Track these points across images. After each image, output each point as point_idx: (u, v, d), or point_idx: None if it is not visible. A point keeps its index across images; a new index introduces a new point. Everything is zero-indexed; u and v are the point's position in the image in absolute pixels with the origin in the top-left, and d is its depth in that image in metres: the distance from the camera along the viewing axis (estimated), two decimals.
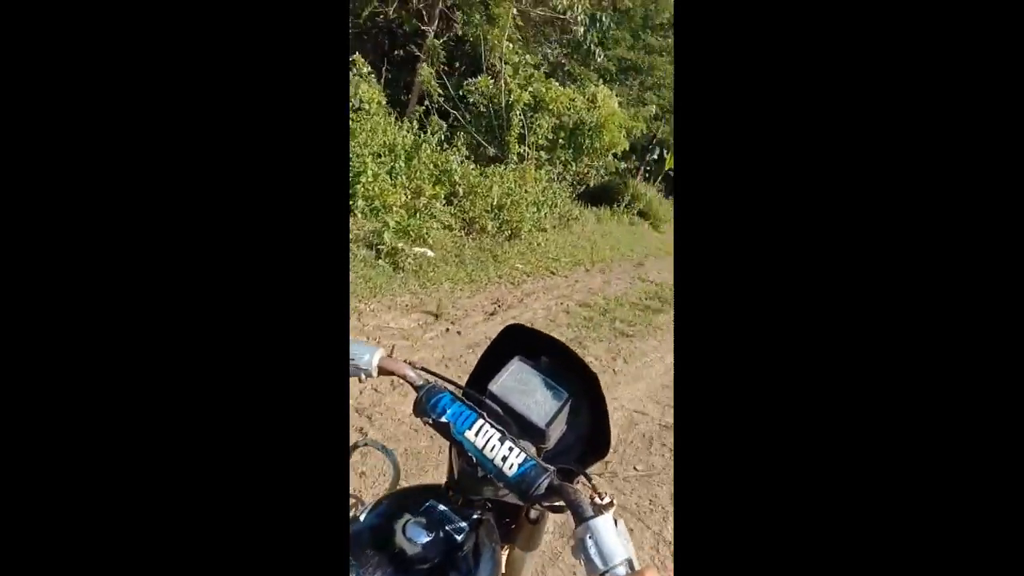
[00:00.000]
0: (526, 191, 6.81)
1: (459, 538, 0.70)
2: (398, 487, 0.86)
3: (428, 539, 0.69)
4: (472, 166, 6.26)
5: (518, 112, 6.90)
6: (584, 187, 9.95)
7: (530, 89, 7.03)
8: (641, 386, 3.49)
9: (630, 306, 5.28)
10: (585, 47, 9.21)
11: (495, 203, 5.93)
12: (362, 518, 0.73)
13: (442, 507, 0.73)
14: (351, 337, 0.76)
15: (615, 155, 8.75)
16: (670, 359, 4.24)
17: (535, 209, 6.76)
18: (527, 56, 7.96)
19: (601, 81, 9.11)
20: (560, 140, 7.55)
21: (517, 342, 0.83)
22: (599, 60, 9.47)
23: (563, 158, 7.74)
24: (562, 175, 7.91)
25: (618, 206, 10.48)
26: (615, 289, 5.83)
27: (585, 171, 9.82)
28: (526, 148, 7.12)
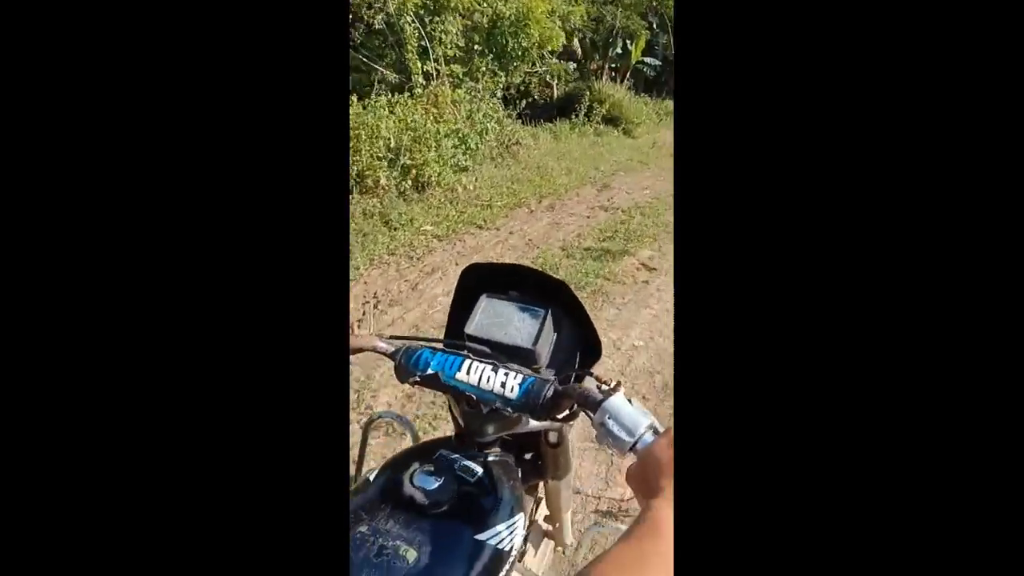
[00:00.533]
0: (443, 121, 5.21)
1: (471, 479, 0.68)
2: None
3: (438, 484, 0.67)
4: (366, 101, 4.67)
5: (409, 17, 5.14)
6: (530, 100, 8.19)
7: None
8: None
9: (583, 254, 3.85)
10: None
11: (391, 145, 4.39)
12: (371, 478, 0.72)
13: (452, 455, 0.71)
14: None
15: (552, 53, 6.89)
16: (641, 332, 2.91)
17: (456, 143, 5.19)
18: None
19: None
20: (475, 46, 5.77)
21: (479, 281, 0.81)
22: None
23: (484, 68, 5.97)
24: (491, 91, 6.20)
25: (577, 117, 8.73)
26: (566, 232, 4.37)
27: (526, 81, 8.03)
28: (433, 63, 5.41)
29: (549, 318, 0.74)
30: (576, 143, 8.11)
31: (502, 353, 0.71)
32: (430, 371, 0.67)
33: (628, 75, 13.69)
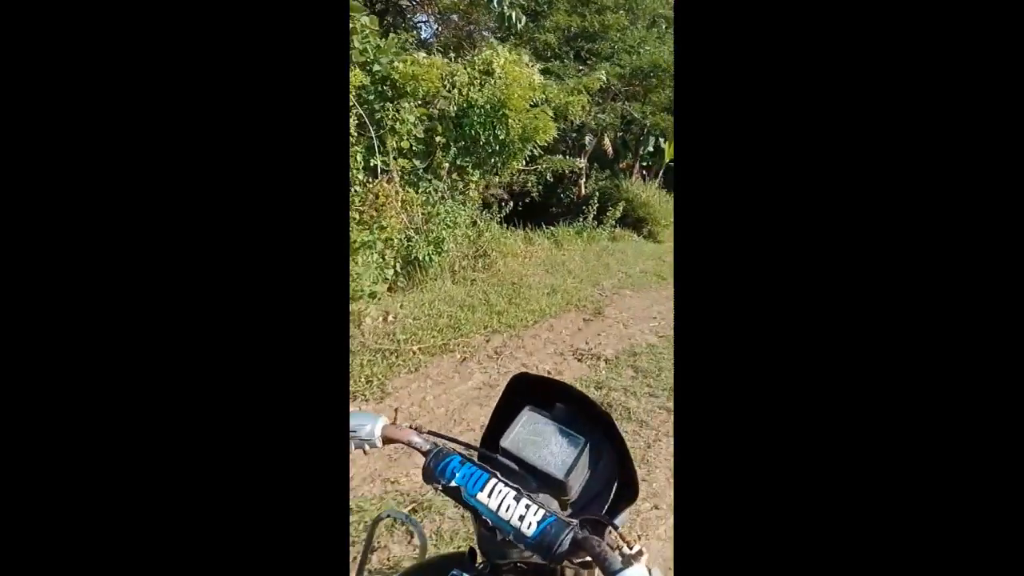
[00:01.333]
0: (376, 226, 3.99)
1: None
2: (426, 558, 0.81)
3: None
4: None
5: (352, 101, 4.14)
6: (527, 201, 7.02)
7: (376, 66, 4.27)
8: None
9: None
10: (498, 10, 6.40)
11: None
12: None
13: None
14: (351, 409, 0.73)
15: (543, 149, 5.70)
16: None
17: (381, 257, 3.90)
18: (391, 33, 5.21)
19: (533, 59, 6.27)
20: (439, 137, 4.66)
21: (526, 392, 0.78)
22: (519, 26, 6.52)
23: (449, 164, 4.80)
24: (459, 190, 5.00)
25: (585, 219, 7.45)
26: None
27: (518, 179, 6.91)
28: (381, 158, 4.30)
29: (587, 450, 0.69)
30: (582, 250, 6.71)
31: (531, 475, 0.67)
32: (454, 483, 0.63)
33: (661, 174, 12.61)
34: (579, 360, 3.37)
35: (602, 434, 0.71)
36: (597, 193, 8.17)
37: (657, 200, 9.61)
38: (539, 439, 0.70)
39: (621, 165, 12.41)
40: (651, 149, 11.88)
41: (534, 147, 5.24)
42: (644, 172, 12.11)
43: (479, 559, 0.69)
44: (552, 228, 7.07)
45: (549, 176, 7.15)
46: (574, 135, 9.78)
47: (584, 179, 10.43)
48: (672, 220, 9.32)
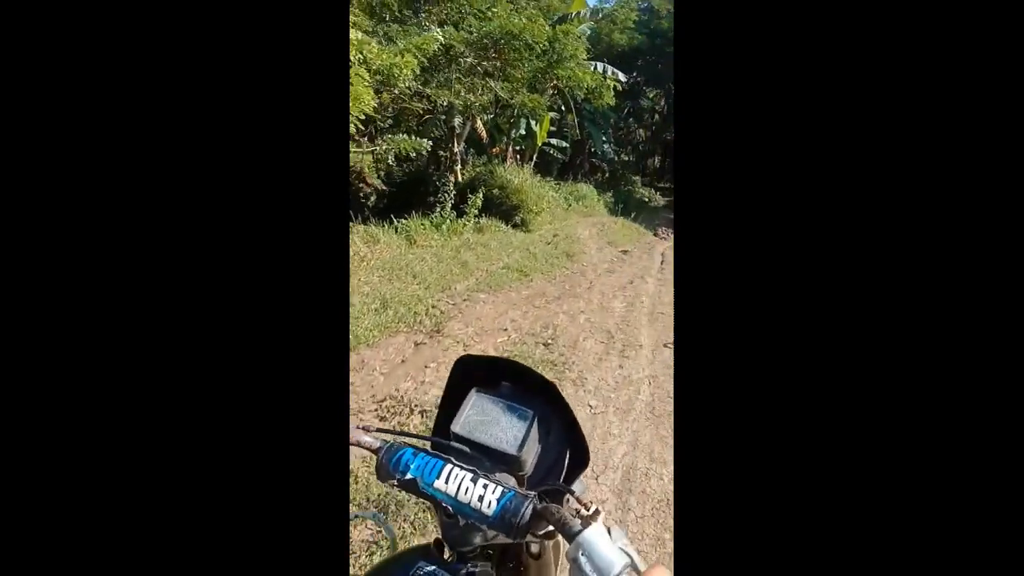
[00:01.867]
0: None
1: None
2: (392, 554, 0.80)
3: None
4: None
5: None
6: (370, 191, 5.88)
7: None
8: None
9: None
10: None
11: None
12: None
13: (430, 567, 0.65)
14: None
15: (364, 122, 4.60)
16: None
17: None
18: None
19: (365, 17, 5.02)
20: None
21: (471, 375, 0.77)
22: None
23: None
24: None
25: (444, 210, 6.51)
26: None
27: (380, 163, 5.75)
28: None
29: (536, 423, 0.69)
30: (438, 247, 5.76)
31: (486, 456, 0.66)
32: (409, 475, 0.62)
33: (534, 157, 12.04)
34: (381, 419, 2.40)
35: (548, 404, 0.71)
36: (472, 180, 7.22)
37: (530, 186, 8.94)
38: (489, 419, 0.70)
39: (494, 150, 11.63)
40: (523, 132, 11.21)
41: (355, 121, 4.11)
42: (518, 156, 11.44)
43: (446, 550, 0.67)
44: (405, 221, 6.03)
45: (391, 159, 6.04)
46: (443, 117, 8.77)
47: (460, 165, 9.50)
48: (544, 207, 8.73)
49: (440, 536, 0.67)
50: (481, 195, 7.06)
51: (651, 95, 18.16)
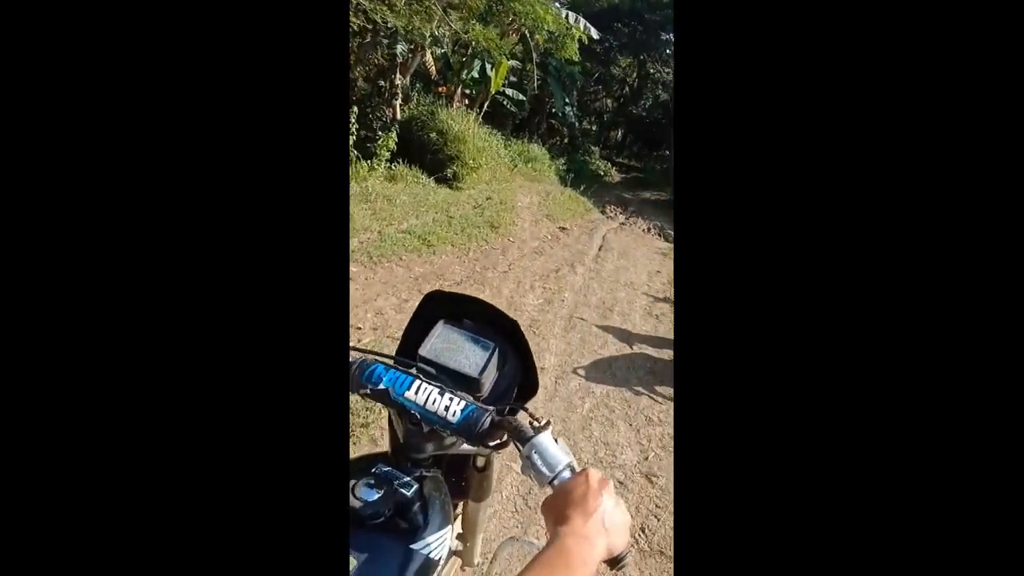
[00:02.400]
0: None
1: (408, 492, 0.69)
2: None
3: (378, 495, 0.67)
4: None
5: None
6: None
7: None
8: None
9: None
10: None
11: None
12: None
13: (389, 469, 0.72)
14: None
15: None
16: None
17: None
18: None
19: None
20: None
21: (439, 307, 0.82)
22: None
23: None
24: None
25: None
26: None
27: None
28: None
29: (496, 353, 0.75)
30: None
31: (449, 378, 0.72)
32: (382, 386, 0.68)
33: (485, 105, 10.66)
34: None
35: (508, 339, 0.77)
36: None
37: (473, 136, 7.68)
38: (453, 346, 0.75)
39: (440, 89, 10.13)
40: (475, 75, 9.77)
41: None
42: (467, 102, 10.02)
43: (398, 458, 0.74)
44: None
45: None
46: (385, 42, 7.25)
47: (400, 100, 8.04)
48: (484, 161, 7.54)
49: (397, 444, 0.74)
50: (395, 135, 5.77)
51: (624, 63, 16.89)
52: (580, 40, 11.21)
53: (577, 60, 9.33)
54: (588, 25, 10.38)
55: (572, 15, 10.70)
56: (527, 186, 8.33)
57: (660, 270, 5.18)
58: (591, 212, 8.71)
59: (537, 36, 8.20)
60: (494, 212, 5.62)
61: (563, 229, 6.30)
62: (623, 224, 9.28)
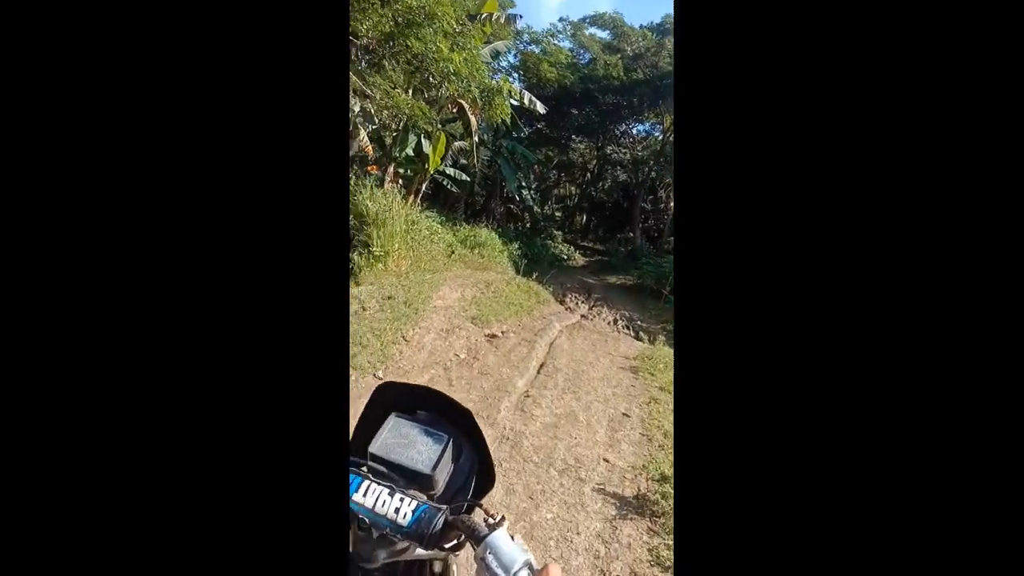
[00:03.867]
0: None
1: None
2: None
3: None
4: None
5: None
6: None
7: None
8: None
9: None
10: None
11: None
12: None
13: None
14: None
15: None
16: None
17: None
18: None
19: None
20: None
21: (390, 400, 0.75)
22: None
23: None
24: None
25: None
26: None
27: None
28: None
29: (450, 446, 0.68)
30: None
31: (400, 475, 0.65)
32: None
33: (423, 187, 9.15)
34: None
35: (463, 430, 0.70)
36: None
37: (396, 219, 5.94)
38: (405, 441, 0.69)
39: (369, 168, 8.61)
40: (410, 151, 8.33)
41: None
42: (400, 182, 8.48)
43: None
44: None
45: None
46: None
47: None
48: (396, 248, 5.72)
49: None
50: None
51: (582, 145, 16.15)
52: (529, 112, 10.14)
53: (509, 122, 7.97)
54: (534, 99, 9.27)
55: (517, 85, 9.65)
56: (464, 276, 6.48)
57: (629, 411, 3.16)
58: (544, 305, 6.84)
59: (456, 85, 6.83)
60: (388, 319, 3.66)
61: (492, 337, 4.33)
62: (585, 317, 7.43)
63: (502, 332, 4.53)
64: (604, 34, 14.10)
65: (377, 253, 5.14)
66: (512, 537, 0.53)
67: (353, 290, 4.37)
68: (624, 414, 3.08)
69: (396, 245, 5.54)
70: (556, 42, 13.38)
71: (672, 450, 2.94)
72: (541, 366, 3.84)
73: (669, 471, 2.35)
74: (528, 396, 3.10)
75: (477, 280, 6.43)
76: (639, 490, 2.22)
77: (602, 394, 3.38)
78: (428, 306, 4.42)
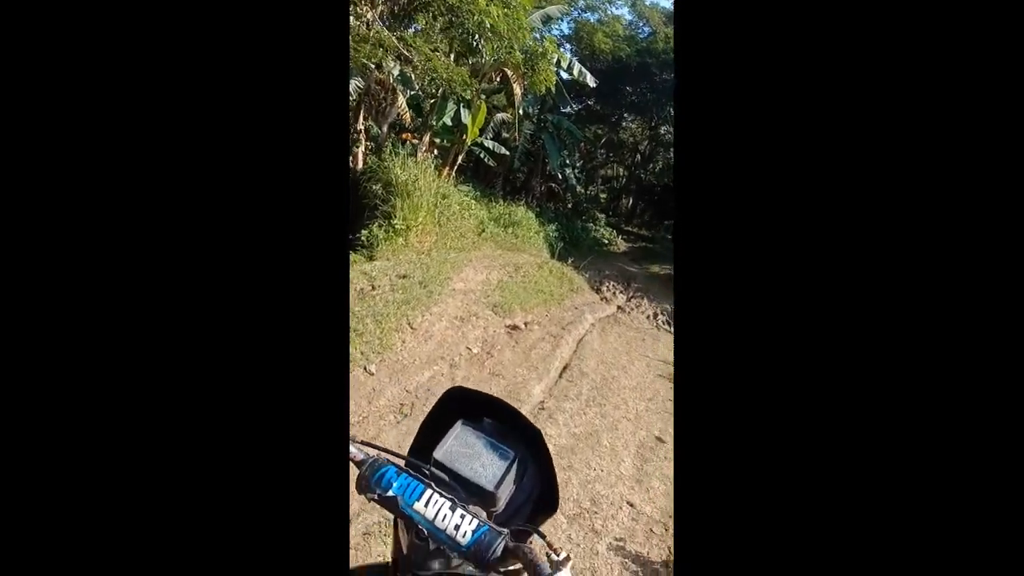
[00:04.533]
0: None
1: None
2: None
3: None
4: None
5: None
6: None
7: None
8: None
9: None
10: None
11: None
12: None
13: None
14: None
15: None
16: None
17: None
18: None
19: None
20: None
21: (459, 405, 0.73)
22: None
23: None
24: None
25: None
26: None
27: None
28: None
29: (516, 464, 0.66)
30: None
31: (462, 487, 0.63)
32: (391, 492, 0.60)
33: (459, 158, 8.66)
34: None
35: (529, 448, 0.69)
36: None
37: (424, 190, 5.53)
38: (471, 451, 0.67)
39: (404, 136, 8.20)
40: (447, 121, 7.84)
41: None
42: (434, 152, 8.02)
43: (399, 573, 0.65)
44: None
45: None
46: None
47: (363, 147, 6.13)
48: (421, 222, 5.30)
49: (401, 556, 0.64)
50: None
51: (634, 124, 15.12)
52: (579, 85, 9.38)
53: (555, 90, 7.31)
54: (584, 71, 8.52)
55: (567, 54, 8.90)
56: (492, 257, 6.01)
57: (664, 434, 2.61)
58: (577, 293, 6.28)
59: (511, 68, 6.23)
60: (396, 301, 3.26)
61: (513, 329, 3.86)
62: (621, 309, 6.81)
63: (525, 324, 4.05)
64: (667, 3, 12.92)
65: (399, 226, 4.74)
66: None
67: (366, 266, 4.00)
68: (658, 438, 2.55)
69: (421, 218, 5.12)
70: (614, 9, 12.34)
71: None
72: (565, 368, 3.34)
73: None
74: (543, 408, 2.61)
75: (506, 262, 5.94)
76: (670, 553, 1.70)
77: (633, 409, 2.85)
78: (446, 288, 3.99)
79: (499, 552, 0.54)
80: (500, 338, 3.55)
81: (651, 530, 1.83)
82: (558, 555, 0.51)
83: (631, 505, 1.94)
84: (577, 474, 2.07)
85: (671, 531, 1.83)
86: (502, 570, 0.56)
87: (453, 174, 7.97)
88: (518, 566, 0.54)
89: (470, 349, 3.19)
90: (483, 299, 4.20)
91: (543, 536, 0.57)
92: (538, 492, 0.68)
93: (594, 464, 2.17)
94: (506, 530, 0.55)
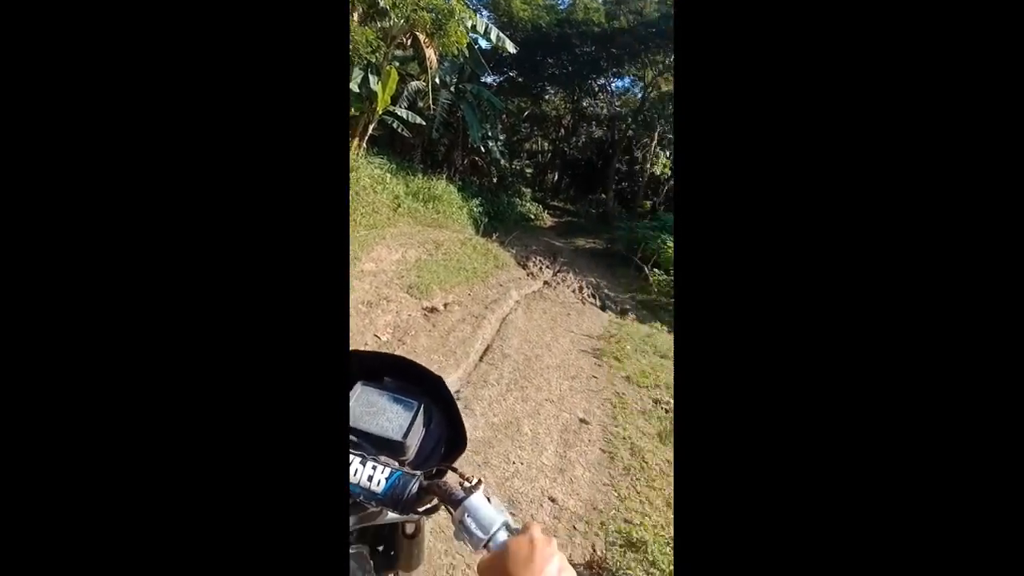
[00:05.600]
0: None
1: None
2: None
3: None
4: None
5: None
6: None
7: None
8: None
9: None
10: None
11: None
12: None
13: None
14: None
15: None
16: None
17: None
18: None
19: None
20: None
21: (355, 369, 0.72)
22: None
23: None
24: None
25: None
26: None
27: None
28: None
29: (420, 412, 0.68)
30: None
31: (371, 443, 0.64)
32: None
33: (370, 127, 8.00)
34: None
35: (431, 395, 0.70)
36: None
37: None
38: (374, 409, 0.68)
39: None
40: (355, 87, 7.13)
41: None
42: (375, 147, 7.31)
43: None
44: None
45: None
46: None
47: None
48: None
49: None
50: None
51: (556, 97, 14.96)
52: (499, 51, 8.95)
53: (472, 57, 6.90)
54: (502, 36, 8.10)
55: (485, 22, 8.43)
56: (409, 235, 5.59)
57: (589, 415, 2.48)
58: (502, 270, 6.06)
59: (420, 29, 5.70)
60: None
61: (431, 312, 3.55)
62: (547, 284, 6.72)
63: (445, 305, 3.76)
64: None
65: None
66: (489, 499, 0.52)
67: None
68: (582, 420, 2.41)
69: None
70: None
71: (640, 471, 2.36)
72: (486, 351, 3.11)
73: (636, 518, 1.69)
74: (459, 398, 2.37)
75: (425, 239, 5.57)
76: (594, 552, 1.55)
77: (556, 390, 2.69)
78: (353, 270, 3.58)
79: (415, 491, 0.56)
80: (415, 322, 3.24)
81: (574, 527, 1.66)
82: (470, 482, 0.53)
83: (553, 500, 1.77)
84: (494, 471, 1.86)
85: (594, 528, 1.68)
86: (421, 510, 0.57)
87: (364, 145, 7.33)
88: (436, 502, 0.56)
89: (378, 336, 2.85)
90: (396, 280, 3.84)
91: (455, 470, 0.59)
92: (447, 434, 0.69)
93: (513, 457, 1.97)
94: (419, 472, 0.57)
